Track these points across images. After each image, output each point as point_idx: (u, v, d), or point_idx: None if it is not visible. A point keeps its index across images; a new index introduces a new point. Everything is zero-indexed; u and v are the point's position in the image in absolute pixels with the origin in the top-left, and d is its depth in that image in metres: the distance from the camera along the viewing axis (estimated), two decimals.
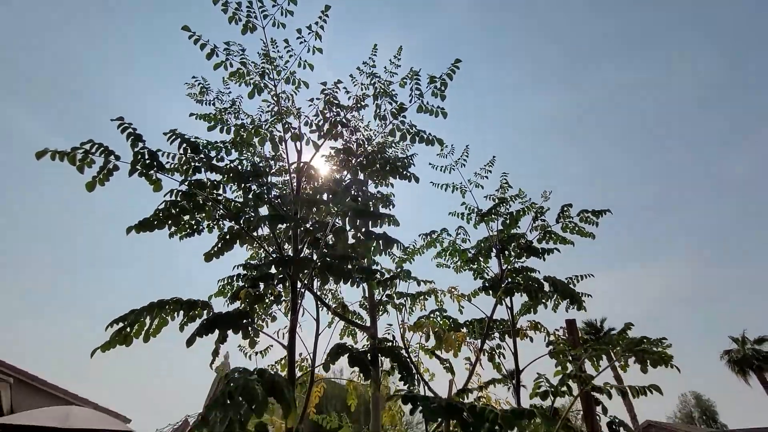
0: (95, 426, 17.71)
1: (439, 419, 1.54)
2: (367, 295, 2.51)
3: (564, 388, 1.71)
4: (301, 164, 1.99)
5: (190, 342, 1.30)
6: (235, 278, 2.54)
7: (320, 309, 2.13)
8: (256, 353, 2.72)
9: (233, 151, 2.17)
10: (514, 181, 2.78)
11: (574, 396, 1.64)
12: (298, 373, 2.56)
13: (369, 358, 1.52)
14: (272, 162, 2.53)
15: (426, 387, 1.88)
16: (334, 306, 2.12)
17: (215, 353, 1.51)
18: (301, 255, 1.61)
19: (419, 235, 2.56)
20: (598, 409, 1.78)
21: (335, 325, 2.68)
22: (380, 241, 1.49)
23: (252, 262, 2.60)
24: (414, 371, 1.55)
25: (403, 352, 1.81)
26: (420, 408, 1.26)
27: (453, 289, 2.81)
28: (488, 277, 2.42)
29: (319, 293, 2.11)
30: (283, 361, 2.86)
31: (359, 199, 2.06)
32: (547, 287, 1.94)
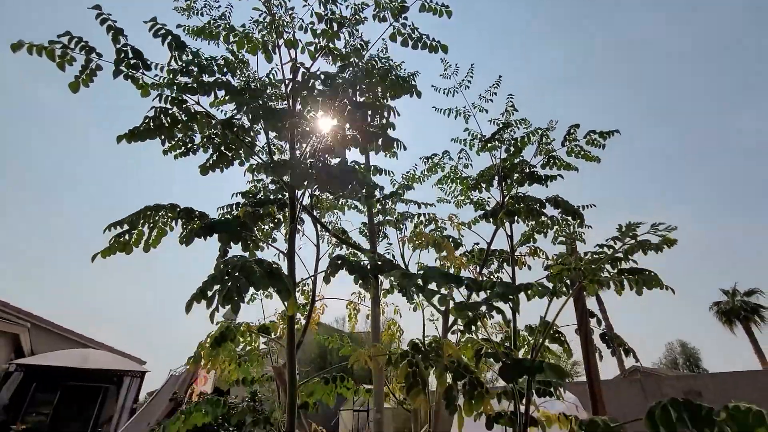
0: (112, 366, 18.71)
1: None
2: (366, 221, 2.49)
3: (561, 286, 1.75)
4: (297, 64, 1.88)
5: (187, 241, 1.29)
6: (234, 206, 2.53)
7: (320, 234, 2.14)
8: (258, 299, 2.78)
9: (225, 70, 2.05)
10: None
11: (571, 291, 1.67)
12: (301, 300, 2.63)
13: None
14: (267, 83, 2.41)
15: (425, 300, 1.94)
16: (332, 232, 2.12)
17: (222, 255, 1.52)
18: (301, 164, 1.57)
19: (420, 158, 2.51)
20: (593, 323, 1.84)
21: (336, 253, 2.73)
22: (380, 142, 1.44)
23: (251, 193, 2.58)
24: (414, 282, 1.58)
25: (402, 266, 1.82)
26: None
27: (453, 217, 2.81)
28: (489, 209, 2.40)
29: (318, 216, 2.11)
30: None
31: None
32: (548, 211, 1.93)
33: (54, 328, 19.62)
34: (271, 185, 2.51)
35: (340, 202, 2.77)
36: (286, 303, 1.11)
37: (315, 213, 2.17)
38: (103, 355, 18.03)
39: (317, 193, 2.29)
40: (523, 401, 1.34)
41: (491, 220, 2.09)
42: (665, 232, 1.28)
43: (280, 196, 2.23)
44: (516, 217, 1.95)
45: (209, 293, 0.91)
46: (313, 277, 1.95)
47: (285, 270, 1.78)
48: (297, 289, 2.67)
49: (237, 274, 0.95)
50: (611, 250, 1.48)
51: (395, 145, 1.49)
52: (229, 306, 0.92)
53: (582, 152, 2.20)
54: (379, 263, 1.64)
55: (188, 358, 2.21)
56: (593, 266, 1.99)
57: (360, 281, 1.30)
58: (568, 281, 1.95)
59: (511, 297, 1.29)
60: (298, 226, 2.57)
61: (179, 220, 1.36)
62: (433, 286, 1.24)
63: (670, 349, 36.21)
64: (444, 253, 1.88)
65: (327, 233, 2.31)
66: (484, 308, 1.24)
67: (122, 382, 17.87)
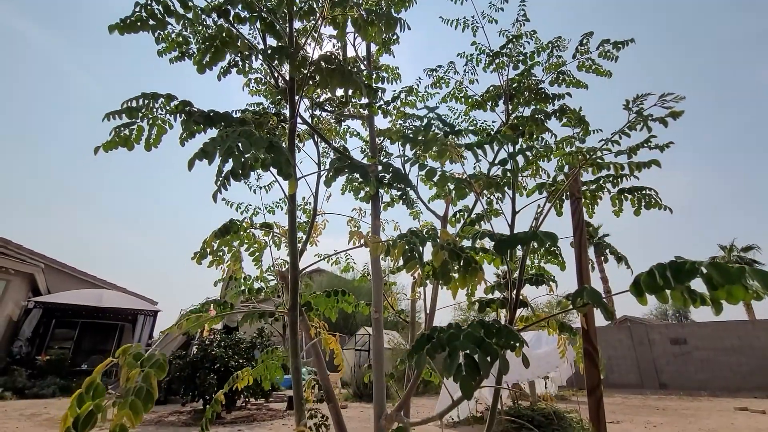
0: (126, 306, 19.58)
1: None
2: (368, 137, 2.46)
3: (560, 204, 1.78)
4: None
5: (187, 137, 1.28)
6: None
7: (320, 151, 2.13)
8: (260, 188, 2.81)
9: None
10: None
11: (567, 180, 1.69)
12: (302, 218, 2.68)
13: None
14: None
15: (424, 206, 1.96)
16: (333, 146, 2.09)
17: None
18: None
19: (424, 71, 2.39)
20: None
21: (336, 183, 2.72)
22: (382, 23, 1.36)
23: (250, 108, 2.52)
24: (411, 184, 1.59)
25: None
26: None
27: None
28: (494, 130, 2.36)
29: (317, 131, 2.08)
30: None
31: None
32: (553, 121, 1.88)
33: (67, 270, 20.34)
34: (271, 106, 2.45)
35: (341, 127, 2.72)
36: (284, 179, 1.12)
37: (315, 137, 2.14)
38: (118, 296, 18.89)
39: (316, 93, 2.24)
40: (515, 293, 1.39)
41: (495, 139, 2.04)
42: (673, 103, 1.25)
43: (279, 110, 2.20)
44: (519, 136, 1.91)
45: (208, 150, 0.91)
46: (314, 195, 1.97)
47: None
48: (298, 207, 2.71)
49: (237, 135, 0.95)
50: (614, 144, 1.46)
51: (399, 27, 1.41)
52: (232, 176, 0.93)
53: (594, 66, 2.10)
54: (378, 175, 1.65)
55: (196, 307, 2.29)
56: (593, 185, 1.99)
57: (361, 197, 1.31)
58: (564, 197, 1.96)
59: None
60: (298, 145, 2.55)
61: (178, 114, 1.34)
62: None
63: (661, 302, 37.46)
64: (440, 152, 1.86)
65: (327, 146, 2.28)
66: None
67: (137, 321, 18.86)
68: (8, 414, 9.36)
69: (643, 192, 1.84)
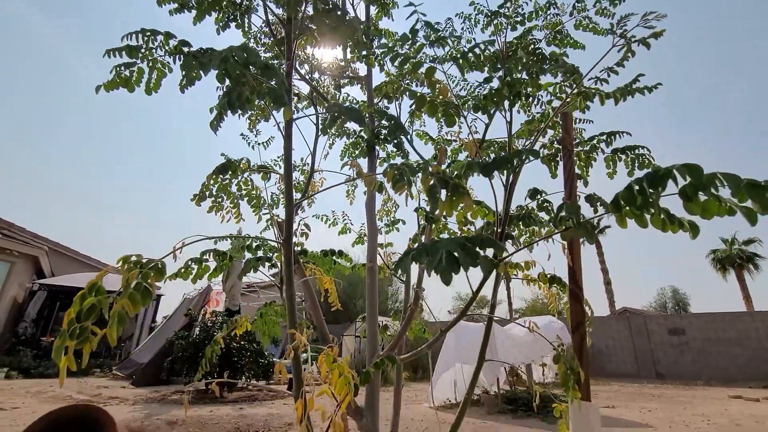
0: None
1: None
2: (365, 92, 2.46)
3: (554, 166, 1.82)
4: None
5: (187, 83, 1.31)
6: None
7: (318, 109, 2.15)
8: (259, 143, 2.83)
9: None
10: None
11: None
12: (300, 178, 2.70)
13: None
14: None
15: (418, 156, 1.98)
16: (329, 104, 2.10)
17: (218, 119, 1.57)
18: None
19: (420, 28, 2.35)
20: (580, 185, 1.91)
21: (335, 146, 2.74)
22: None
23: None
24: (406, 131, 1.62)
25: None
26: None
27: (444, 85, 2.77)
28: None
29: (314, 84, 2.11)
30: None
31: None
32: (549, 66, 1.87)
33: (71, 253, 20.55)
34: (266, 52, 2.45)
35: (340, 94, 2.73)
36: (278, 106, 1.15)
37: (309, 78, 2.16)
38: (120, 279, 19.13)
39: (315, 60, 2.26)
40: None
41: (491, 102, 2.06)
42: (655, 22, 1.27)
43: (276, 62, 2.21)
44: (515, 97, 1.92)
45: (206, 63, 0.94)
46: (312, 153, 2.00)
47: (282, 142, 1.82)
48: (296, 169, 2.73)
49: (233, 53, 0.97)
50: (602, 82, 1.48)
51: None
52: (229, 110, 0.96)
53: (591, 25, 2.10)
54: (376, 132, 1.68)
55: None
56: (588, 145, 2.02)
57: (356, 154, 1.35)
58: (559, 159, 1.99)
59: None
60: (297, 106, 2.58)
61: (177, 57, 1.36)
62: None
63: (661, 294, 37.54)
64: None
65: (324, 102, 2.30)
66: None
67: None
68: (15, 391, 9.54)
69: (636, 152, 1.86)
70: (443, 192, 1.00)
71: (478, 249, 0.82)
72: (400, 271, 1.51)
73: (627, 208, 0.90)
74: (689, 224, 0.98)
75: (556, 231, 1.07)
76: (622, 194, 0.90)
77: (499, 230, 1.39)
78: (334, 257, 2.25)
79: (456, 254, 0.77)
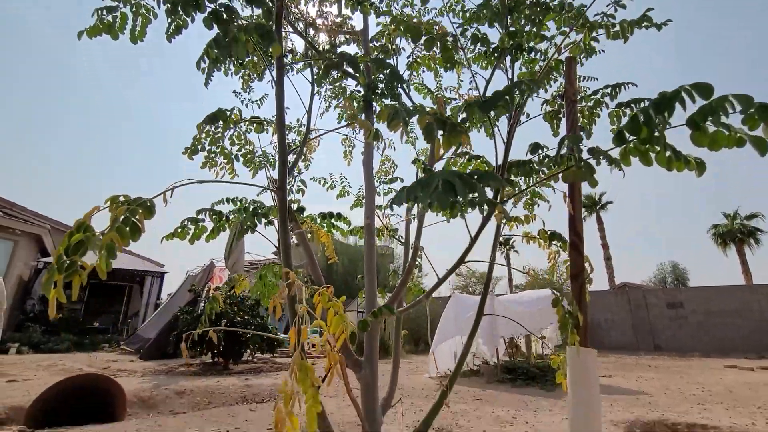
0: (135, 267, 20.00)
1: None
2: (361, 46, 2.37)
3: (557, 124, 1.77)
4: None
5: (174, 32, 1.24)
6: None
7: (313, 69, 2.08)
8: (252, 101, 2.77)
9: None
10: None
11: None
12: (295, 137, 2.64)
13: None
14: None
15: (411, 101, 1.92)
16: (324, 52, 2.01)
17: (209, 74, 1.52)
18: None
19: None
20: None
21: (333, 107, 2.65)
22: None
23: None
24: (404, 80, 1.57)
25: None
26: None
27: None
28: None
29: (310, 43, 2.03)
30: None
31: None
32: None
33: None
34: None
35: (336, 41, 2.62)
36: (267, 43, 1.08)
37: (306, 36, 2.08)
38: (126, 258, 19.29)
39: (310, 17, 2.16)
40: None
41: (493, 57, 1.98)
42: None
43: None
44: (517, 50, 1.85)
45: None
46: (308, 111, 1.94)
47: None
48: (293, 130, 2.67)
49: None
50: (609, 18, 1.41)
51: None
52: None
53: None
54: (372, 81, 1.62)
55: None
56: (591, 100, 1.96)
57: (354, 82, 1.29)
58: (561, 115, 1.94)
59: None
60: (289, 67, 2.50)
61: (161, 2, 1.29)
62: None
63: (661, 269, 37.78)
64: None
65: (321, 60, 2.22)
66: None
67: (144, 282, 19.36)
68: (26, 365, 9.78)
69: (642, 105, 1.80)
70: (440, 132, 0.96)
71: (477, 181, 0.79)
72: (397, 208, 1.48)
73: (632, 143, 0.87)
74: (695, 162, 0.95)
75: (558, 171, 1.03)
76: (626, 126, 0.86)
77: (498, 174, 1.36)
78: (332, 220, 2.23)
79: (453, 183, 0.74)
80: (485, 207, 0.97)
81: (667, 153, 0.91)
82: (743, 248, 29.93)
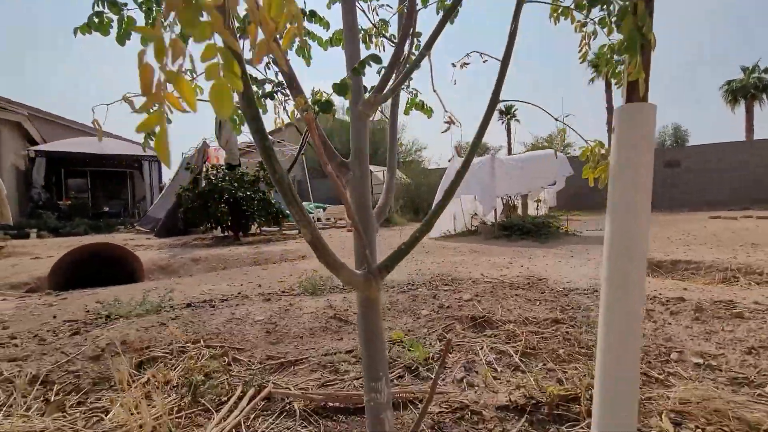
0: (128, 152, 19.64)
1: None
2: None
3: None
4: None
5: None
6: None
7: None
8: None
9: None
10: None
11: None
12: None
13: None
14: None
15: None
16: None
17: None
18: None
19: None
20: None
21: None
22: None
23: None
24: None
25: None
26: None
27: None
28: None
29: None
30: None
31: None
32: None
33: (54, 119, 19.73)
34: None
35: None
36: None
37: None
38: (117, 143, 18.81)
39: None
40: None
41: None
42: None
43: None
44: None
45: None
46: None
47: None
48: None
49: None
50: None
51: None
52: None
53: None
54: None
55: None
56: None
57: None
58: None
59: None
60: None
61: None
62: None
63: (662, 133, 37.10)
64: None
65: None
66: None
67: (142, 167, 19.30)
68: (49, 246, 10.30)
69: None
70: None
71: None
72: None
73: None
74: None
75: None
76: None
77: None
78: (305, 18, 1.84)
79: None
80: None
81: None
82: (753, 105, 28.86)
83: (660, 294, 3.37)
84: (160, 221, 12.84)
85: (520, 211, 11.35)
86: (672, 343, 2.35)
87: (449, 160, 10.10)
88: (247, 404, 1.88)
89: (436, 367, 1.65)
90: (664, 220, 12.25)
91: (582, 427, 1.62)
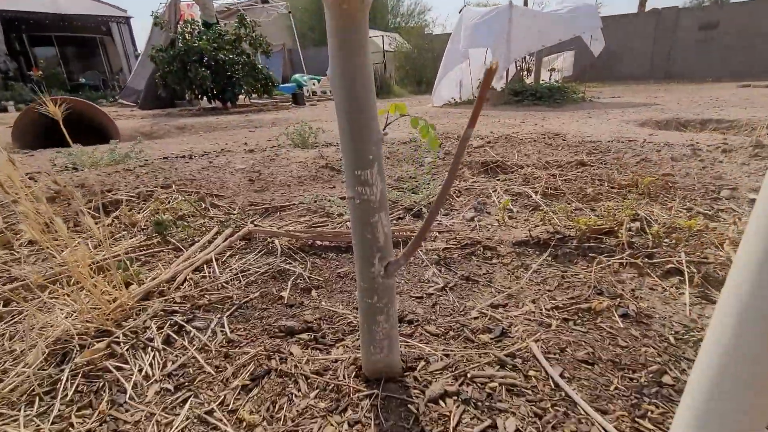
0: (92, 12, 17.18)
1: None
2: None
3: None
4: None
5: None
6: None
7: None
8: None
9: None
10: None
11: None
12: None
13: None
14: None
15: None
16: None
17: None
18: None
19: None
20: None
21: None
22: None
23: None
24: None
25: None
26: None
27: None
28: None
29: None
30: None
31: None
32: None
33: None
34: None
35: None
36: None
37: None
38: (79, 3, 16.28)
39: None
40: None
41: None
42: None
43: None
44: None
45: None
46: None
47: None
48: None
49: None
50: None
51: None
52: None
53: None
54: None
55: None
56: None
57: None
58: None
59: None
60: None
61: None
62: None
63: None
64: None
65: None
66: None
67: (111, 31, 17.12)
68: None
69: None
70: None
71: None
72: None
73: None
74: None
75: None
76: None
77: None
78: None
79: None
80: None
81: None
82: None
83: (698, 142, 2.96)
84: (141, 93, 11.83)
85: (533, 77, 10.24)
86: (723, 181, 2.02)
87: (459, 11, 8.62)
88: (223, 242, 1.62)
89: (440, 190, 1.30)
90: (689, 90, 11.22)
91: (621, 258, 1.36)
